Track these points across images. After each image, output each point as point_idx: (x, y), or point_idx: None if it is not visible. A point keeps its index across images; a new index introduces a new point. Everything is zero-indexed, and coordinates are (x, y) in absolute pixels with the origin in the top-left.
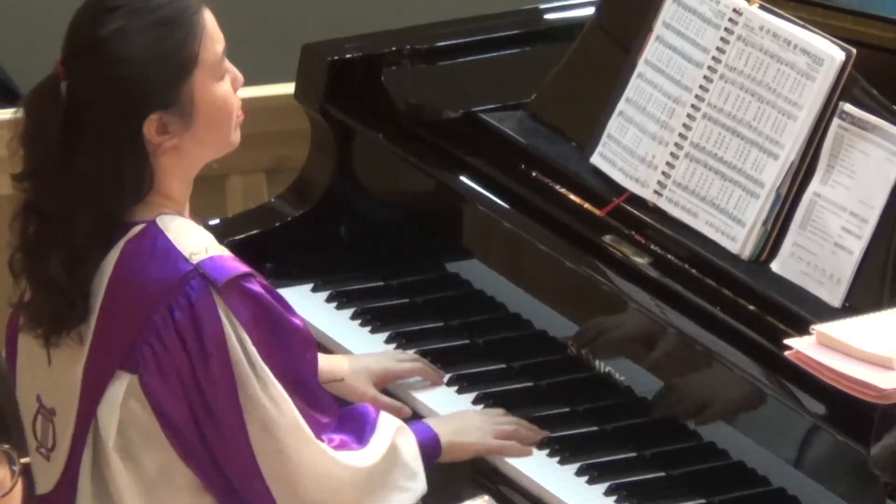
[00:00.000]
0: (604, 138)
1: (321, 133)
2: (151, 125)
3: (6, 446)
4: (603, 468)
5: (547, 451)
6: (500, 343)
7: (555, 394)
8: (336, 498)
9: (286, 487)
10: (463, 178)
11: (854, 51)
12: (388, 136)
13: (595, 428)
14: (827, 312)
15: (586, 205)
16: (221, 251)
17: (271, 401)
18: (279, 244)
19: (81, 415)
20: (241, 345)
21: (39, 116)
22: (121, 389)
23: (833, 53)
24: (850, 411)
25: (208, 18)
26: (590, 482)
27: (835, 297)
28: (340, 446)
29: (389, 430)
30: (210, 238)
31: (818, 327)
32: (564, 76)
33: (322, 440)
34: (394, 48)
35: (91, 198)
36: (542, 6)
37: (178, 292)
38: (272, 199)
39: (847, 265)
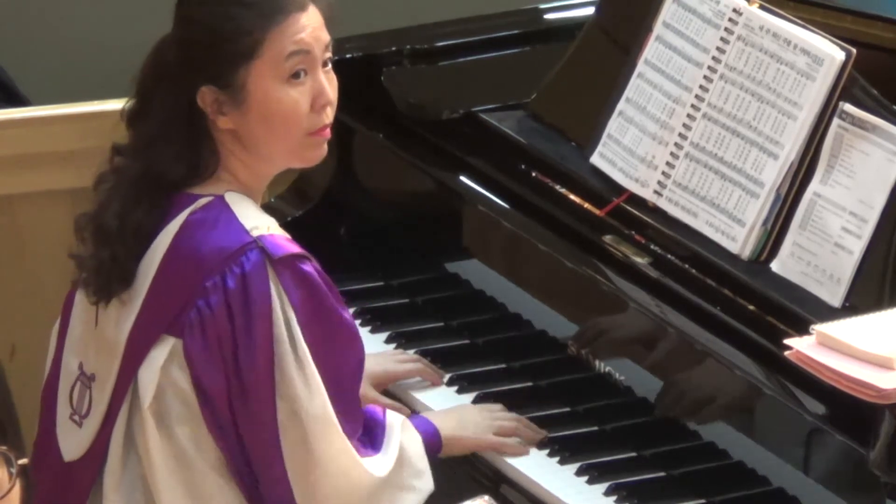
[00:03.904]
0: (604, 138)
1: None
2: (205, 97)
3: (3, 448)
4: (603, 468)
5: (547, 451)
6: (500, 343)
7: (555, 394)
8: (350, 500)
9: (304, 480)
10: (463, 178)
11: (854, 51)
12: (388, 136)
13: (595, 428)
14: (827, 312)
15: (586, 205)
16: (283, 233)
17: (305, 384)
18: None
19: (121, 378)
20: (285, 322)
21: (142, 70)
22: (163, 353)
23: (833, 53)
24: (850, 411)
25: (298, 19)
26: (590, 482)
27: (835, 297)
28: (362, 453)
29: (397, 430)
30: (274, 221)
31: (818, 327)
32: (564, 76)
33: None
34: (394, 48)
35: (142, 152)
36: (542, 6)
37: (233, 261)
38: (272, 199)
39: (847, 265)
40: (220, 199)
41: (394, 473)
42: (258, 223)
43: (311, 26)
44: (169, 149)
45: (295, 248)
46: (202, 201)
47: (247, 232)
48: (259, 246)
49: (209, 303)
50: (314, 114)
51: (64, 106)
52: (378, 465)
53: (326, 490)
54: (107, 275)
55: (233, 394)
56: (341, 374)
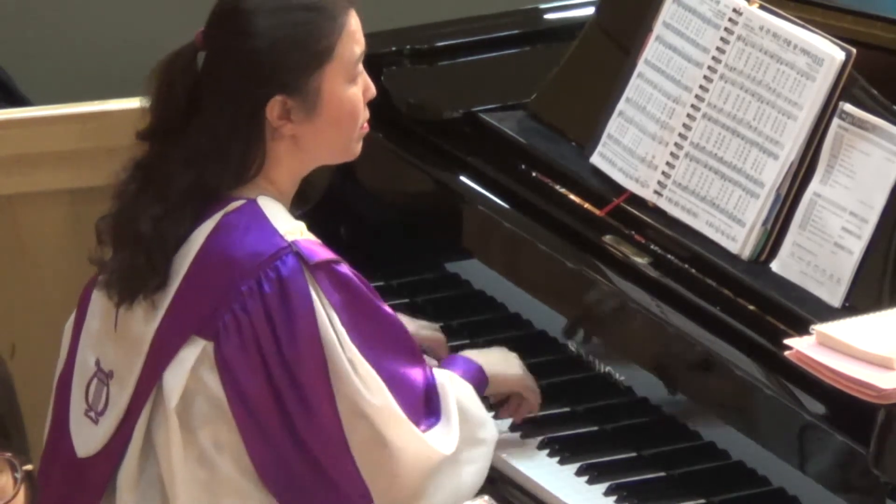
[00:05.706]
0: (604, 138)
1: None
2: (274, 107)
3: (8, 454)
4: (603, 468)
5: (547, 451)
6: (499, 343)
7: (555, 394)
8: (431, 478)
9: (380, 473)
10: (463, 178)
11: (854, 51)
12: (388, 136)
13: (595, 428)
14: (827, 312)
15: (586, 205)
16: (314, 238)
17: (362, 382)
18: None
19: (144, 377)
20: (330, 324)
21: (169, 80)
22: (193, 355)
23: (833, 53)
24: (850, 411)
25: (353, 19)
26: (590, 482)
27: (835, 297)
28: (426, 427)
29: (449, 387)
30: (304, 226)
31: (818, 327)
32: (564, 76)
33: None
34: (394, 48)
35: (194, 164)
36: (542, 6)
37: (268, 266)
38: None
39: (847, 265)
40: (254, 202)
41: (461, 434)
42: (291, 228)
43: (360, 25)
44: (225, 160)
45: (329, 254)
46: (235, 204)
47: (281, 236)
48: (294, 251)
49: (245, 307)
50: (364, 108)
51: (64, 106)
52: (445, 440)
53: (404, 478)
54: (141, 278)
55: (285, 397)
56: (394, 367)
